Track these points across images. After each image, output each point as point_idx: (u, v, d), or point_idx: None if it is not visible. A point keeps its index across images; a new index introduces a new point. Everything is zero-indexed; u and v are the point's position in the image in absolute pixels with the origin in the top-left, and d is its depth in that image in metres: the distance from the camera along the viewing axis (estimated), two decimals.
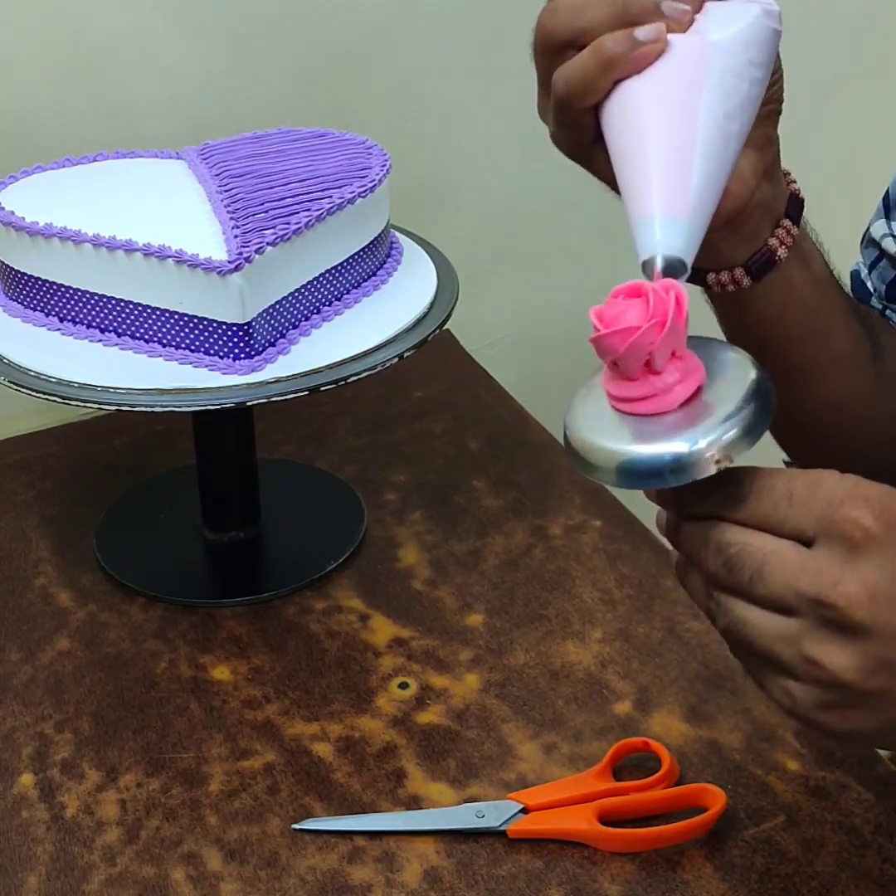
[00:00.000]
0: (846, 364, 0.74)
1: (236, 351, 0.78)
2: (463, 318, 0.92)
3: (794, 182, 0.71)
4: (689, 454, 0.51)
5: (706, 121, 0.57)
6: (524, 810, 0.71)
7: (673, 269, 0.55)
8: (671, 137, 0.57)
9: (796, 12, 1.24)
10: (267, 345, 0.80)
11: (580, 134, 0.62)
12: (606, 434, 0.53)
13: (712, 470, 0.51)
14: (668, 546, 0.56)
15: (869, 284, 0.83)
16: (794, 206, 0.70)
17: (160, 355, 0.80)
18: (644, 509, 0.98)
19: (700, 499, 0.53)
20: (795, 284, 0.71)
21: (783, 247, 0.69)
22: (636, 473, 0.51)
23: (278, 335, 0.81)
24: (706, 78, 0.58)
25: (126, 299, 0.80)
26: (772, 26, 0.61)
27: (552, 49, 0.61)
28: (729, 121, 0.58)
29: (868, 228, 0.84)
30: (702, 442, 0.51)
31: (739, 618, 0.52)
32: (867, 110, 1.40)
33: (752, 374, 0.52)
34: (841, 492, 0.51)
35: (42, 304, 0.83)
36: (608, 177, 0.62)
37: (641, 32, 0.58)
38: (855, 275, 0.84)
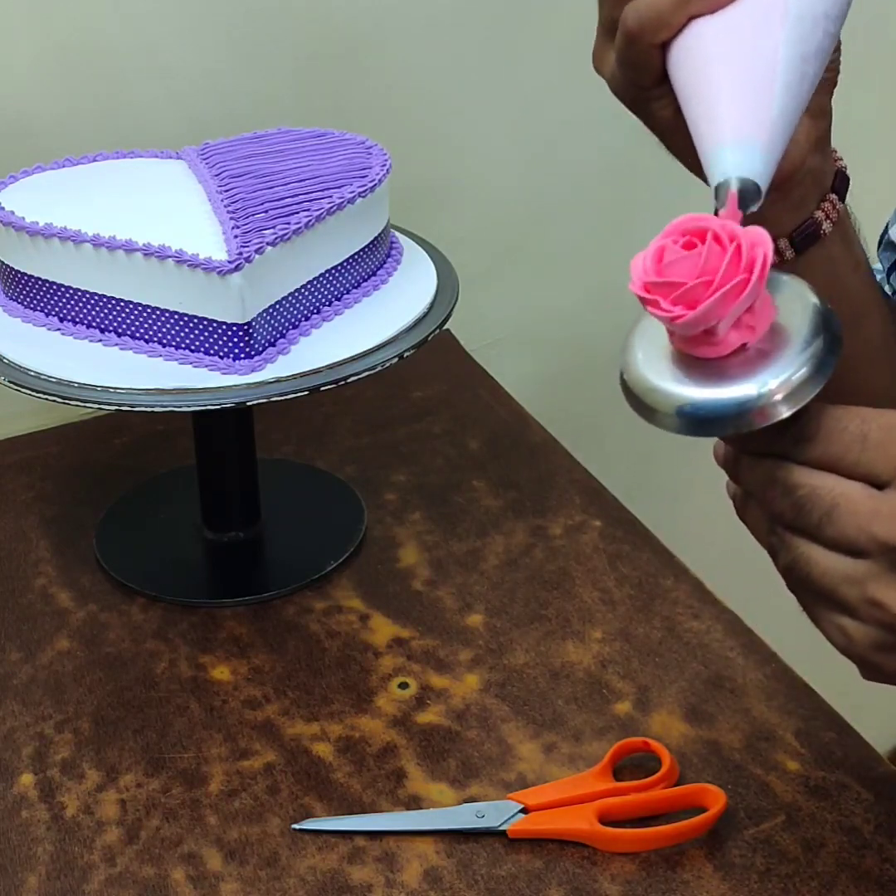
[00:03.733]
0: (878, 353, 0.74)
1: (236, 351, 0.78)
2: (463, 318, 0.92)
3: (841, 159, 0.70)
4: (757, 397, 0.49)
5: (784, 56, 0.56)
6: (524, 810, 0.71)
7: (749, 194, 0.52)
8: (748, 68, 0.56)
9: None
10: (267, 345, 0.80)
11: (645, 74, 0.60)
12: (667, 375, 0.51)
13: (783, 414, 0.49)
14: (729, 489, 0.55)
15: (887, 288, 0.83)
16: (841, 181, 0.70)
17: (160, 355, 0.80)
18: (644, 509, 0.98)
19: (767, 438, 0.52)
20: (837, 263, 0.70)
21: (828, 221, 0.69)
22: (700, 419, 0.50)
23: (278, 335, 0.81)
24: (784, 19, 0.57)
25: (126, 299, 0.80)
26: None
27: None
28: (804, 63, 0.57)
29: (886, 231, 0.84)
30: (772, 383, 0.49)
31: (804, 556, 0.52)
32: (884, 111, 1.40)
33: (815, 303, 0.51)
34: None
35: (42, 304, 0.83)
36: (664, 126, 0.61)
37: None
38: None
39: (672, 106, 0.60)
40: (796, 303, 0.51)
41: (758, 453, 0.53)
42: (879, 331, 0.74)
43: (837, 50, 0.65)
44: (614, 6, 0.60)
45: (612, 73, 0.62)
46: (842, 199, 0.70)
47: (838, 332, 0.51)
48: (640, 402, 0.51)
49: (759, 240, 0.49)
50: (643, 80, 0.61)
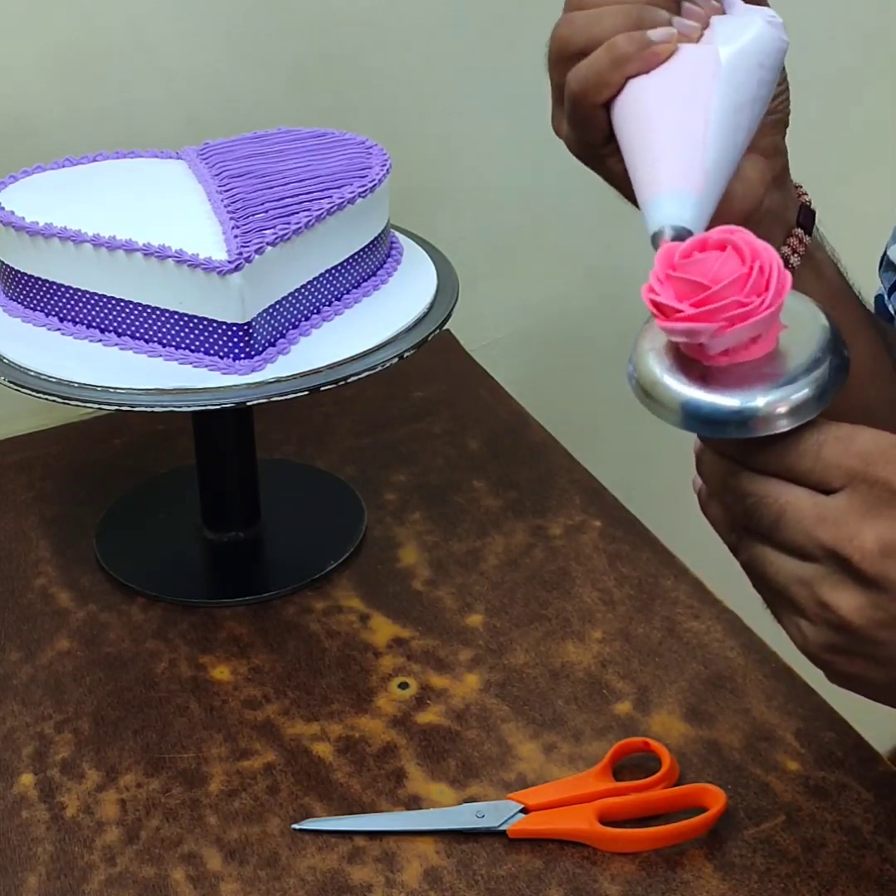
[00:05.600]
0: (868, 375, 0.75)
1: (236, 351, 0.78)
2: (463, 318, 0.92)
3: (805, 194, 0.72)
4: (756, 409, 0.50)
5: (716, 108, 0.59)
6: (524, 810, 0.71)
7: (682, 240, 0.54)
8: (681, 121, 0.58)
9: (819, 34, 1.24)
10: (267, 345, 0.80)
11: (592, 132, 0.64)
12: (675, 374, 0.52)
13: (780, 429, 0.50)
14: (695, 485, 0.56)
15: (891, 308, 0.83)
16: (806, 216, 0.71)
17: (160, 355, 0.80)
18: (644, 509, 0.98)
19: (724, 442, 0.53)
20: (809, 294, 0.71)
21: (795, 255, 0.70)
22: (701, 420, 0.51)
23: (278, 335, 0.81)
24: (716, 73, 0.60)
25: (126, 299, 0.80)
26: (778, 35, 0.63)
27: (568, 57, 0.64)
28: (738, 114, 0.60)
29: (885, 252, 0.84)
30: (774, 399, 0.50)
31: (759, 556, 0.53)
32: (881, 129, 1.40)
33: (824, 324, 0.52)
34: (876, 450, 0.51)
35: (42, 304, 0.83)
36: (619, 180, 0.64)
37: (654, 33, 0.61)
38: (879, 299, 0.84)
39: (623, 161, 0.62)
40: (807, 319, 0.52)
41: (717, 453, 0.54)
42: (867, 351, 0.75)
43: (785, 90, 0.68)
44: (561, 73, 0.64)
45: (566, 134, 0.66)
46: (808, 232, 0.71)
47: (844, 353, 0.52)
48: (648, 394, 0.53)
49: (779, 260, 0.50)
50: (593, 139, 0.64)
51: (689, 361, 0.52)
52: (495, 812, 0.71)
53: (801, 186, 0.72)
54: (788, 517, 0.51)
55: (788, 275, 0.50)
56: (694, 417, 0.51)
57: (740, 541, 0.54)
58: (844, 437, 0.52)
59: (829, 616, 0.51)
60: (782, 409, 0.50)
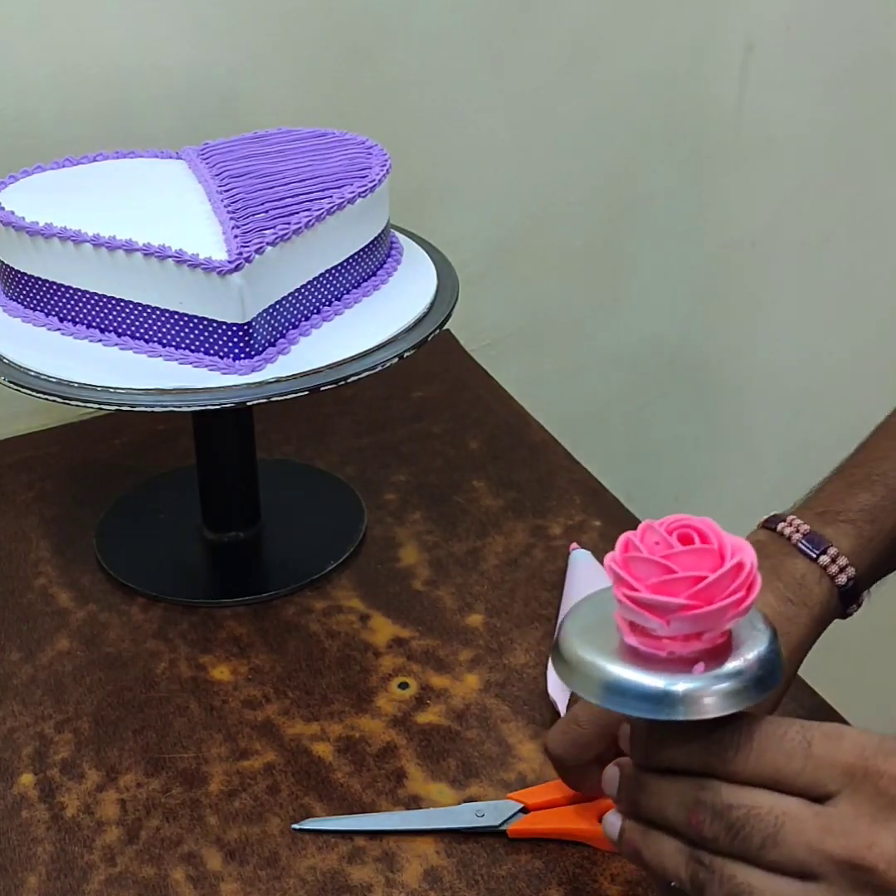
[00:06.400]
0: None
1: (236, 351, 0.78)
2: (463, 318, 0.92)
3: (839, 574, 0.68)
4: (675, 691, 0.47)
5: None
6: (524, 810, 0.71)
7: None
8: None
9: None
10: (267, 345, 0.80)
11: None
12: (600, 649, 0.49)
13: (705, 714, 0.47)
14: (611, 825, 0.52)
15: None
16: (845, 600, 0.68)
17: (160, 355, 0.80)
18: (644, 509, 0.98)
19: (684, 749, 0.48)
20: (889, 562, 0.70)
21: (855, 606, 0.69)
22: (621, 694, 0.48)
23: (278, 335, 0.81)
24: None
25: (126, 299, 0.80)
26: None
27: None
28: None
29: None
30: (694, 684, 0.47)
31: (744, 885, 0.47)
32: None
33: (763, 647, 0.49)
34: (870, 744, 0.47)
35: (42, 304, 0.83)
36: None
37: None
38: None
39: None
40: (755, 636, 0.50)
41: (673, 771, 0.49)
42: None
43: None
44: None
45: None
46: (853, 599, 0.69)
47: (776, 675, 0.49)
48: (569, 668, 0.50)
49: (752, 557, 0.49)
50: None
51: (619, 642, 0.50)
52: (495, 811, 0.71)
53: (833, 562, 0.68)
54: (788, 830, 0.46)
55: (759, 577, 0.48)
56: (616, 692, 0.48)
57: (714, 872, 0.47)
58: (833, 734, 0.48)
59: None
60: (735, 686, 0.47)
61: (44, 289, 0.82)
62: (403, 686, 0.81)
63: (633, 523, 0.93)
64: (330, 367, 0.80)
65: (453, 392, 1.10)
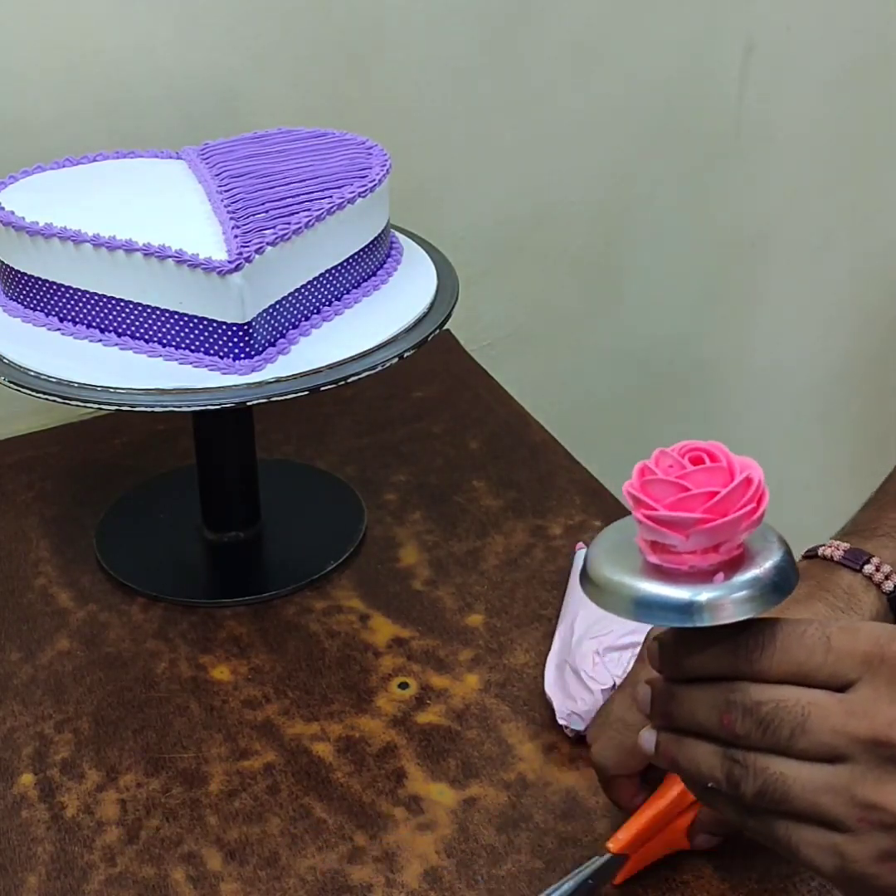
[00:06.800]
0: None
1: (236, 351, 0.78)
2: (463, 318, 0.92)
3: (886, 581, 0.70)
4: (692, 601, 0.50)
5: None
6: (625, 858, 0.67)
7: None
8: None
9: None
10: (267, 345, 0.80)
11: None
12: (626, 569, 0.52)
13: (728, 618, 0.50)
14: (646, 740, 0.54)
15: None
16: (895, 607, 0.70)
17: (160, 355, 0.80)
18: None
19: (711, 656, 0.51)
20: None
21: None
22: (650, 608, 0.51)
23: (278, 335, 0.81)
24: None
25: (126, 299, 0.80)
26: None
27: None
28: None
29: None
30: (707, 594, 0.50)
31: (777, 775, 0.50)
32: None
33: (777, 556, 0.52)
34: (885, 633, 0.50)
35: (42, 304, 0.83)
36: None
37: None
38: None
39: None
40: (767, 544, 0.52)
41: (698, 679, 0.52)
42: None
43: None
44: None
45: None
46: None
47: (791, 580, 0.51)
48: (596, 587, 0.53)
49: (759, 472, 0.51)
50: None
51: (643, 560, 0.52)
52: (602, 872, 0.67)
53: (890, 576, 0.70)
54: (814, 718, 0.49)
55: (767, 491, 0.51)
56: (644, 607, 0.51)
57: (748, 767, 0.50)
58: (850, 628, 0.50)
59: (877, 816, 0.48)
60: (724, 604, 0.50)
61: (44, 289, 0.82)
62: (403, 686, 0.81)
63: None
64: (330, 367, 0.80)
65: (453, 392, 1.10)
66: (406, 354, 0.82)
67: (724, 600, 0.50)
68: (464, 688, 0.81)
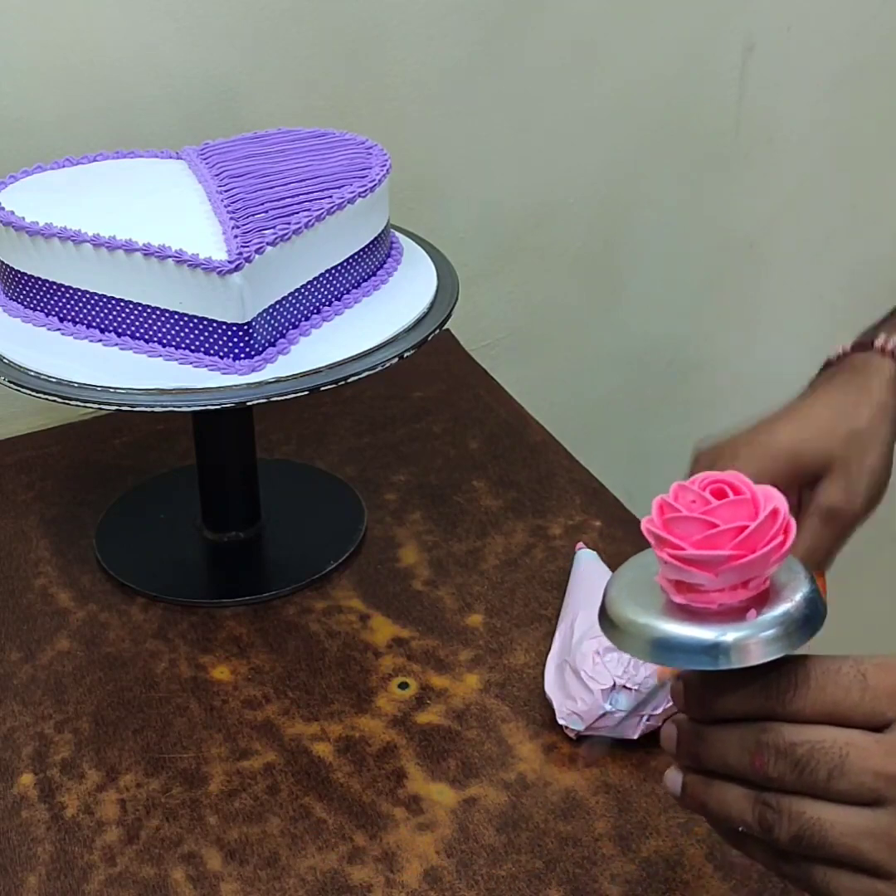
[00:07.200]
0: None
1: (236, 351, 0.78)
2: (463, 318, 0.92)
3: None
4: (719, 642, 0.49)
5: None
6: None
7: None
8: None
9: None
10: (267, 345, 0.80)
11: None
12: (646, 608, 0.51)
13: (760, 659, 0.48)
14: (672, 781, 0.52)
15: None
16: None
17: (160, 355, 0.80)
18: (644, 509, 0.98)
19: (741, 697, 0.50)
20: None
21: None
22: (671, 649, 0.49)
23: (278, 335, 0.81)
24: None
25: (126, 299, 0.80)
26: None
27: None
28: None
29: None
30: (733, 635, 0.49)
31: (814, 819, 0.48)
32: None
33: (806, 588, 0.50)
34: None
35: (42, 304, 0.83)
36: None
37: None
38: None
39: None
40: (794, 578, 0.51)
41: (732, 720, 0.50)
42: None
43: None
44: None
45: None
46: None
47: (819, 618, 0.50)
48: (616, 628, 0.51)
49: (784, 502, 0.50)
50: None
51: (667, 601, 0.51)
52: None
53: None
54: (852, 759, 0.47)
55: (793, 522, 0.50)
56: (665, 648, 0.49)
57: (783, 811, 0.48)
58: (885, 664, 0.49)
59: None
60: (752, 644, 0.48)
61: (44, 289, 0.82)
62: (403, 686, 0.81)
63: (633, 523, 0.93)
64: (330, 367, 0.80)
65: (453, 392, 1.10)
66: (406, 354, 0.82)
67: (755, 639, 0.48)
68: (464, 688, 0.81)
